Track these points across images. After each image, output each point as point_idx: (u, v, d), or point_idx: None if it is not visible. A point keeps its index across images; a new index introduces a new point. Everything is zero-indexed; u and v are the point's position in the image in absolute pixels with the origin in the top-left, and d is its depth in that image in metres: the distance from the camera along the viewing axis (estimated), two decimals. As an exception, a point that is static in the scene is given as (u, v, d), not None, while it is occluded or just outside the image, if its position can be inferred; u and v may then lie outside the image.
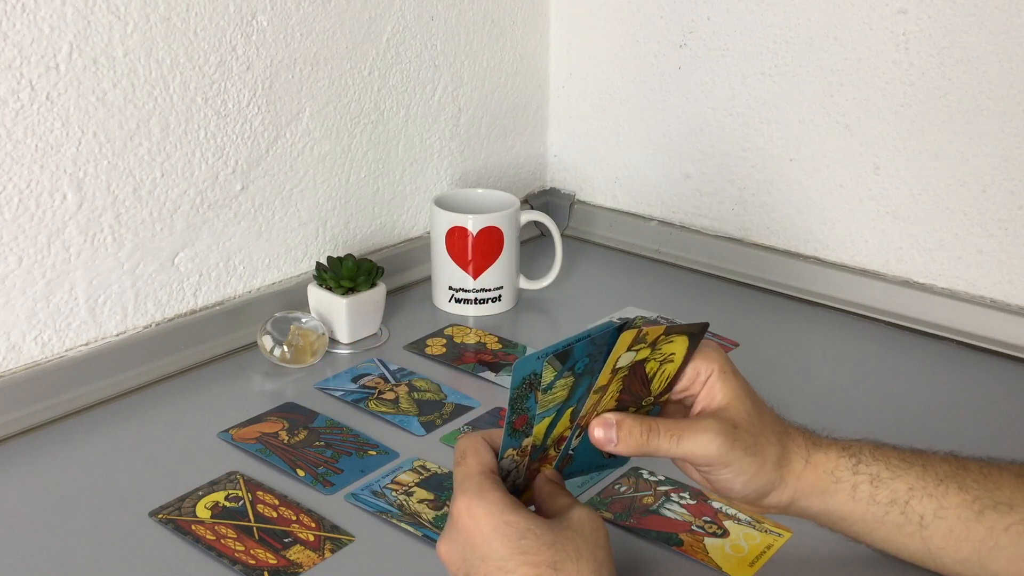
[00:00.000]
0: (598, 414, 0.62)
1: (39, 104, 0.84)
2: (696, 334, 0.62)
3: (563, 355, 0.57)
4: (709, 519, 0.78)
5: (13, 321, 0.87)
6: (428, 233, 1.16)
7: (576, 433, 0.63)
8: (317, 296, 1.04)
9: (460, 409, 0.93)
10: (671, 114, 1.25)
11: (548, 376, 0.57)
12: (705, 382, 0.63)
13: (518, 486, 0.63)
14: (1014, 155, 1.01)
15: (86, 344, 0.92)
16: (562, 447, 0.63)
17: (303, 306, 1.04)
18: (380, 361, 1.01)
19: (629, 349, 0.59)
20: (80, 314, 0.91)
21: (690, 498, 0.80)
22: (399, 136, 1.17)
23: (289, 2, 1.01)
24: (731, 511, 0.78)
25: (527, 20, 1.29)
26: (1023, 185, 1.02)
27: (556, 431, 0.62)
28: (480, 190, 1.19)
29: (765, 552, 0.74)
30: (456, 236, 1.10)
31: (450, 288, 1.12)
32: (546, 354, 0.57)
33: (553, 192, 1.40)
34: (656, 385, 0.63)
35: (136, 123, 0.91)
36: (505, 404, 0.61)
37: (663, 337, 0.60)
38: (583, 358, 0.58)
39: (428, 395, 0.95)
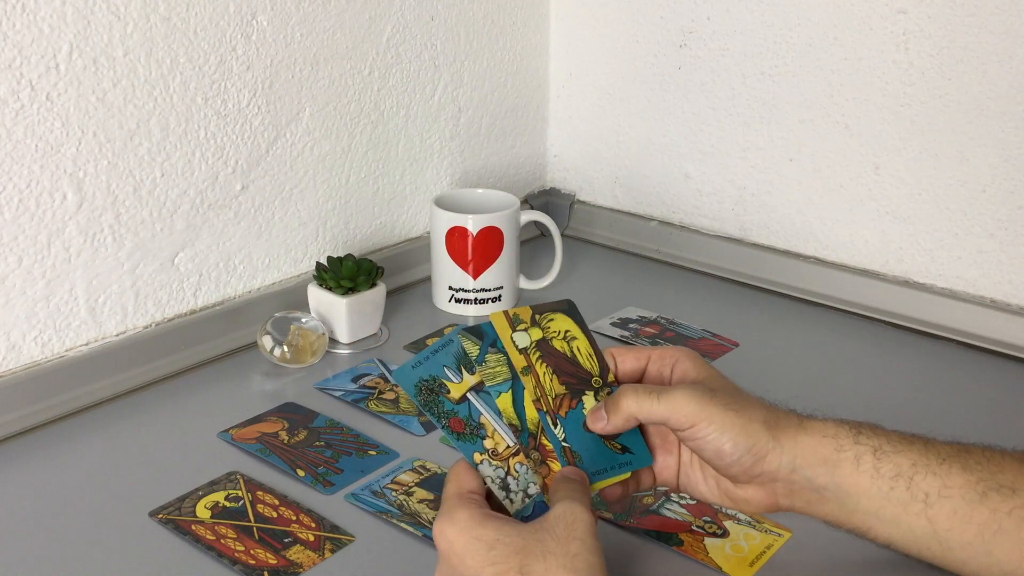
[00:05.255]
0: (555, 397, 0.65)
1: (39, 104, 0.84)
2: (567, 311, 0.68)
3: (474, 330, 0.65)
4: (709, 519, 0.78)
5: (13, 321, 0.87)
6: (428, 233, 1.16)
7: (550, 421, 0.64)
8: (317, 296, 1.04)
9: (460, 409, 0.93)
10: (671, 114, 1.25)
11: (472, 349, 0.64)
12: (673, 367, 0.67)
13: (529, 493, 0.63)
14: (1014, 155, 1.01)
15: (86, 344, 0.92)
16: (548, 438, 0.64)
17: (303, 306, 1.04)
18: (380, 361, 1.01)
19: (516, 331, 0.65)
20: (80, 314, 0.91)
21: (690, 498, 0.80)
22: (399, 136, 1.17)
23: (289, 2, 1.01)
24: (731, 511, 0.78)
25: (527, 20, 1.29)
26: (1023, 185, 1.02)
27: (529, 415, 0.64)
28: (480, 190, 1.19)
29: (765, 552, 0.74)
30: (456, 236, 1.10)
31: (450, 288, 1.12)
32: (459, 331, 0.64)
33: (553, 192, 1.40)
34: (586, 364, 0.66)
35: (136, 123, 0.91)
36: None
37: (539, 316, 0.67)
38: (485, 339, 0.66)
39: (428, 395, 0.95)
